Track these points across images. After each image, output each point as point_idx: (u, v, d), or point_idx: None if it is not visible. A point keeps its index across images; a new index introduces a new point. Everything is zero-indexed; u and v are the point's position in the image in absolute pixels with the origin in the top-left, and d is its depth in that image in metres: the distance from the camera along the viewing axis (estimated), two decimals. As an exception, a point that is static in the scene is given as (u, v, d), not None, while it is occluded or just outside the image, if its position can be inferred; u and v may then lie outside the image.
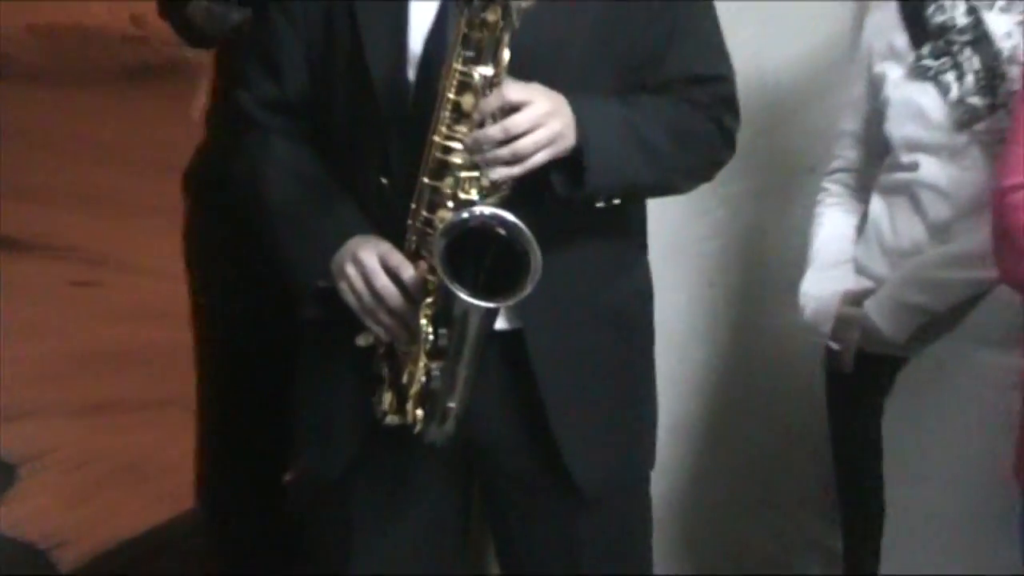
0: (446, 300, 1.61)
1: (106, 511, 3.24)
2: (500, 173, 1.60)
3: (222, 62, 2.38)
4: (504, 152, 1.58)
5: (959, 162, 2.03)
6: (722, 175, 1.88)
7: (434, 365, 1.66)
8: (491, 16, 1.54)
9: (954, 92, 2.03)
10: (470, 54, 1.57)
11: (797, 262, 2.28)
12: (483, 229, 1.61)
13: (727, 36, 1.84)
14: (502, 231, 1.60)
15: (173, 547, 3.05)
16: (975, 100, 2.01)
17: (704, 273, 2.70)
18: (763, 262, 2.70)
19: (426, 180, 1.64)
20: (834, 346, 2.15)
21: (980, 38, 2.02)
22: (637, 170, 1.72)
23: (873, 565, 2.11)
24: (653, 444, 1.91)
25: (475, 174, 1.62)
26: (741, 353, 2.73)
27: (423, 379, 1.67)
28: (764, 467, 2.76)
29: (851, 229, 2.23)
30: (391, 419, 1.72)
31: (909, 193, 2.09)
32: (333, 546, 1.89)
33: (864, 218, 2.20)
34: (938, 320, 2.04)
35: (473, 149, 1.59)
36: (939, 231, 2.05)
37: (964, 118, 2.02)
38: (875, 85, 2.15)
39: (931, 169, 2.05)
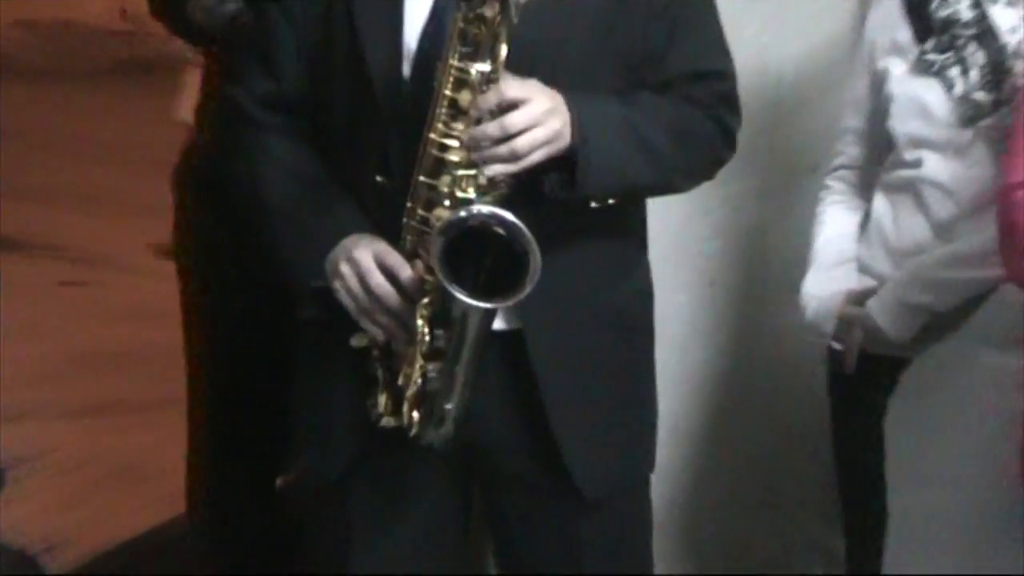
0: (444, 300, 1.60)
1: (105, 512, 3.24)
2: (497, 171, 1.58)
3: (218, 59, 2.37)
4: (502, 150, 1.56)
5: (964, 159, 2.02)
6: (723, 174, 1.87)
7: (431, 366, 1.65)
8: (489, 11, 1.53)
9: (959, 88, 2.01)
10: (467, 50, 1.56)
11: (799, 262, 2.27)
12: (482, 228, 1.59)
13: (729, 34, 1.83)
14: (501, 231, 1.59)
15: (172, 548, 3.04)
16: (980, 96, 2.00)
17: (705, 273, 2.69)
18: (764, 262, 2.69)
19: (422, 178, 1.62)
20: (837, 346, 2.14)
21: (985, 33, 2.00)
22: (636, 169, 1.71)
23: (875, 565, 2.10)
24: (653, 445, 1.91)
25: (472, 172, 1.60)
26: (742, 353, 2.73)
27: (419, 381, 1.66)
28: (765, 467, 2.76)
29: (853, 227, 2.21)
30: (387, 421, 1.71)
31: (913, 190, 2.07)
32: (333, 547, 1.89)
33: (867, 216, 2.18)
34: (942, 320, 2.02)
35: (470, 146, 1.57)
36: (943, 229, 2.04)
37: (969, 114, 2.01)
38: (878, 81, 2.14)
39: (935, 166, 2.04)
